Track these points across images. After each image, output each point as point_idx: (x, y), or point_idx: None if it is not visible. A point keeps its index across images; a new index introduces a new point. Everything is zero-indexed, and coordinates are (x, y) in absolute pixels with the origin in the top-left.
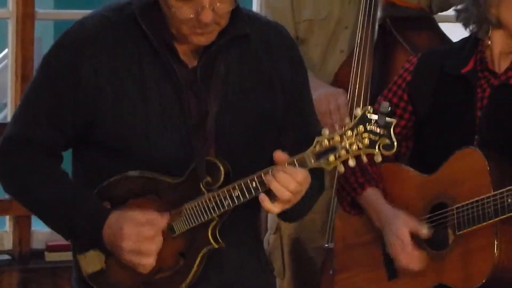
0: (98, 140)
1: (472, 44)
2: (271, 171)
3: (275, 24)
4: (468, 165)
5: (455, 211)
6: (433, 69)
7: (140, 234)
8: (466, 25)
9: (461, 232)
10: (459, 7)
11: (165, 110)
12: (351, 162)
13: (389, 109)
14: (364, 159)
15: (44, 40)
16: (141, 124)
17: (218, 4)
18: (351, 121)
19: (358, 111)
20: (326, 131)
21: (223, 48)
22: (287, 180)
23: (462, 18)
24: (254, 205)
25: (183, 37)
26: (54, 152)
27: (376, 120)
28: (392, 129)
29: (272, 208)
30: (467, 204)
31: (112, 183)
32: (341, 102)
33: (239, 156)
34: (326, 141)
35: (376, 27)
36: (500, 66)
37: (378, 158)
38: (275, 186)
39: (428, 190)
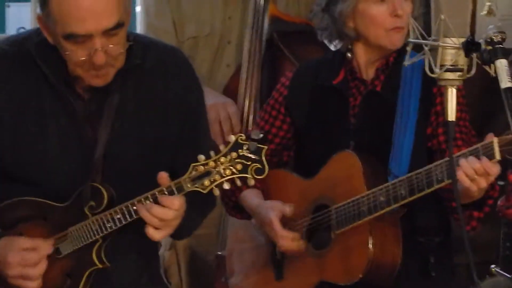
0: None
1: (341, 56)
2: (148, 200)
3: (171, 48)
4: (344, 167)
5: (333, 211)
6: (307, 82)
7: (24, 261)
8: (330, 42)
9: (340, 231)
10: (320, 26)
11: (63, 142)
12: (226, 186)
13: (261, 135)
14: (238, 183)
15: None
16: (39, 155)
17: (110, 46)
18: (225, 148)
19: (232, 138)
20: (201, 157)
21: (117, 80)
22: (164, 212)
23: (324, 36)
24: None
25: (80, 78)
26: None
27: (248, 146)
28: (263, 155)
29: (156, 235)
30: (344, 204)
31: (2, 208)
32: (231, 112)
33: (129, 179)
34: (201, 167)
35: (264, 41)
36: (368, 74)
37: (251, 182)
38: (153, 221)
39: (310, 193)
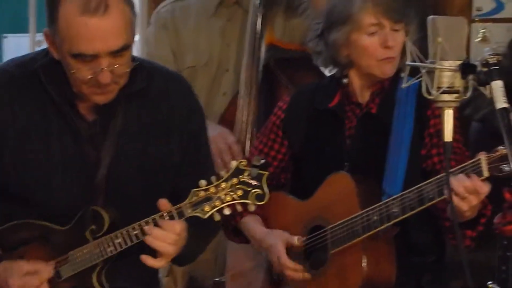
0: (1, 187)
1: (337, 80)
2: (150, 225)
3: (175, 74)
4: (338, 188)
5: (329, 232)
6: (304, 105)
7: (25, 285)
8: (325, 67)
9: (335, 251)
10: (315, 51)
11: (66, 163)
12: (226, 211)
13: (262, 161)
14: (239, 208)
15: None
16: (43, 175)
17: (116, 66)
18: (226, 173)
19: (233, 164)
20: (203, 182)
21: (121, 102)
22: (166, 236)
23: (319, 61)
24: (146, 248)
25: (84, 96)
26: None
27: (249, 172)
28: (264, 181)
29: (157, 263)
30: (339, 224)
31: (3, 230)
32: (231, 141)
33: (131, 203)
34: (202, 192)
35: (261, 67)
36: (363, 97)
37: (251, 208)
38: (155, 244)
39: (305, 214)
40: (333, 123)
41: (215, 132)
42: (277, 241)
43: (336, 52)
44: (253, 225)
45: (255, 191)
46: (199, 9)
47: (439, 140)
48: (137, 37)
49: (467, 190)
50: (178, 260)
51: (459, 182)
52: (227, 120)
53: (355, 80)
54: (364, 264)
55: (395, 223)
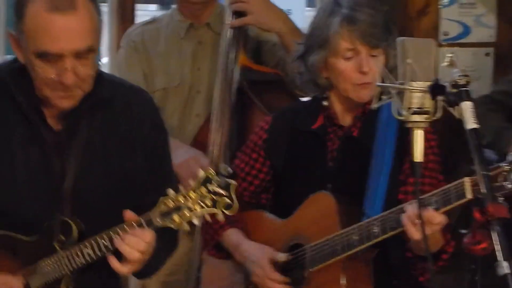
0: None
1: (319, 101)
2: (119, 232)
3: (138, 89)
4: (319, 207)
5: (308, 250)
6: (286, 126)
7: None
8: (306, 88)
9: (314, 269)
10: (295, 72)
11: (31, 172)
12: (196, 221)
13: (230, 171)
14: (208, 218)
15: None
16: (6, 184)
17: (80, 67)
18: (194, 182)
19: (201, 173)
20: (171, 192)
21: (86, 112)
22: (136, 242)
23: (299, 82)
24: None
25: (47, 100)
26: None
27: (217, 181)
28: (232, 190)
29: (121, 268)
30: (318, 243)
31: None
32: (203, 165)
33: (97, 214)
34: (170, 202)
35: (233, 89)
36: (345, 121)
37: (220, 217)
38: (124, 249)
39: (285, 232)
40: (315, 144)
41: (188, 154)
42: (262, 254)
43: (316, 74)
44: (236, 237)
45: (224, 201)
46: (169, 32)
47: None
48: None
49: (418, 217)
50: (141, 271)
51: (413, 209)
52: (200, 142)
53: (336, 102)
54: (342, 283)
55: (374, 244)
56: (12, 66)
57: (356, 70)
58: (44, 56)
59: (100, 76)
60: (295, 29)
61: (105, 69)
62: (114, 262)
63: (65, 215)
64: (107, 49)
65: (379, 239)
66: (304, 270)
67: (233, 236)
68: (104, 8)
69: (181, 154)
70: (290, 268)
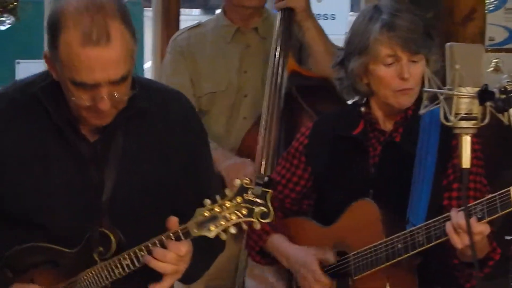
0: (4, 212)
1: (360, 108)
2: (157, 244)
3: (175, 93)
4: (363, 215)
5: (352, 258)
6: (327, 132)
7: None
8: (347, 94)
9: (357, 277)
10: (338, 77)
11: (68, 184)
12: (232, 230)
13: (266, 179)
14: (244, 227)
15: None
16: (44, 197)
17: (115, 93)
18: (231, 192)
19: (237, 182)
20: (207, 201)
21: (122, 122)
22: (169, 256)
23: (340, 88)
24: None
25: (82, 120)
26: None
27: (253, 190)
28: (268, 199)
29: (161, 285)
30: (362, 251)
31: (13, 253)
32: (248, 172)
33: (136, 224)
34: (207, 212)
35: (282, 95)
36: (386, 126)
37: (257, 226)
38: (156, 265)
39: (328, 240)
40: (356, 150)
41: (236, 160)
42: (311, 256)
43: (356, 80)
44: (282, 242)
45: (260, 209)
46: (215, 37)
47: None
48: (148, 64)
49: (460, 227)
50: (184, 278)
51: (455, 218)
52: (247, 146)
53: (376, 108)
54: None
55: (418, 252)
56: (43, 81)
57: (396, 76)
58: (80, 85)
59: (135, 85)
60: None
61: (148, 73)
62: (153, 286)
63: (103, 226)
64: (151, 54)
65: (424, 247)
66: (348, 278)
67: (278, 241)
68: (149, 13)
69: (228, 162)
70: (334, 276)
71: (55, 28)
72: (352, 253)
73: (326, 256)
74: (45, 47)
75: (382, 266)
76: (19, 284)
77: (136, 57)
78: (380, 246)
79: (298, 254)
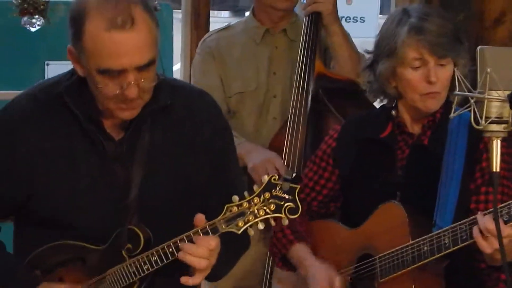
0: (32, 212)
1: (388, 110)
2: (185, 239)
3: (199, 91)
4: (390, 217)
5: (377, 261)
6: (354, 135)
7: None
8: (375, 97)
9: (383, 280)
10: (367, 80)
11: (95, 183)
12: (260, 226)
13: (293, 175)
14: (272, 222)
15: None
16: (72, 197)
17: (142, 80)
18: (259, 188)
19: (265, 178)
20: (236, 198)
21: (147, 119)
22: (199, 250)
23: (369, 91)
24: (182, 266)
25: (109, 112)
26: None
27: (281, 186)
28: (296, 194)
29: (194, 280)
30: (388, 253)
31: (41, 252)
32: (278, 166)
33: (163, 220)
34: (235, 208)
35: (309, 97)
36: (414, 129)
37: (285, 222)
38: (189, 259)
39: (354, 243)
40: (384, 153)
41: (263, 156)
42: (323, 277)
43: (385, 84)
44: (303, 252)
45: (288, 205)
46: (244, 38)
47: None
48: (178, 66)
49: (490, 231)
50: (211, 274)
51: (483, 222)
52: (276, 147)
53: (403, 112)
54: None
55: (445, 255)
56: (68, 81)
57: (424, 80)
58: (106, 73)
59: (160, 82)
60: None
61: (177, 75)
62: (188, 280)
63: (131, 223)
64: (180, 56)
65: (450, 250)
66: (374, 281)
67: (299, 251)
68: (178, 15)
69: (256, 156)
70: (360, 279)
71: (79, 18)
72: (378, 256)
73: (334, 281)
74: None
75: (408, 268)
76: (47, 283)
77: (165, 59)
78: (406, 248)
79: (313, 270)
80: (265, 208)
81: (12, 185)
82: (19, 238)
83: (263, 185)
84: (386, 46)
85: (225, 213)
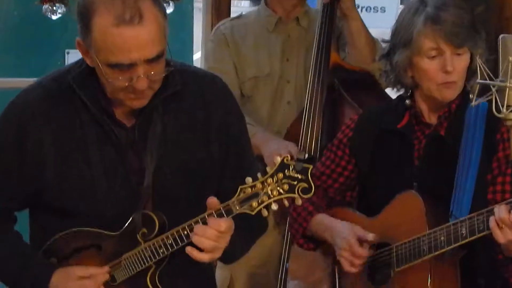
0: (47, 203)
1: (405, 101)
2: (199, 222)
3: (211, 76)
4: (407, 207)
5: (394, 249)
6: (371, 125)
7: None
8: (392, 87)
9: (399, 269)
10: (384, 69)
11: (109, 171)
12: (274, 206)
13: (306, 156)
14: (286, 203)
15: None
16: (86, 186)
17: (152, 72)
18: (272, 169)
19: (278, 159)
20: (249, 179)
21: (158, 105)
22: (210, 232)
23: (386, 80)
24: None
25: (119, 102)
26: (7, 216)
27: (294, 166)
28: (309, 174)
29: (199, 255)
30: (405, 243)
31: (56, 240)
32: (293, 152)
33: (177, 205)
34: (249, 189)
35: (325, 85)
36: (431, 119)
37: (298, 201)
38: (196, 239)
39: (372, 231)
40: (401, 143)
41: (280, 145)
42: (352, 231)
43: (401, 73)
44: (326, 218)
45: (301, 185)
46: (257, 27)
47: (506, 168)
48: (197, 55)
49: (504, 222)
50: (225, 257)
51: (499, 212)
52: (292, 134)
53: (420, 102)
54: (429, 284)
55: (462, 245)
56: (77, 70)
57: (440, 69)
58: (116, 67)
59: (170, 68)
60: None
61: (197, 64)
62: (194, 252)
63: (146, 208)
64: (200, 45)
65: (467, 240)
66: (390, 270)
67: (322, 218)
68: (198, 4)
69: (272, 145)
70: (376, 267)
71: (87, 13)
72: (394, 245)
73: (367, 235)
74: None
75: (425, 258)
76: (63, 269)
77: (185, 48)
78: (423, 238)
79: (342, 228)
80: (278, 188)
81: (22, 180)
82: (35, 228)
83: (276, 165)
84: (402, 36)
85: (239, 195)
